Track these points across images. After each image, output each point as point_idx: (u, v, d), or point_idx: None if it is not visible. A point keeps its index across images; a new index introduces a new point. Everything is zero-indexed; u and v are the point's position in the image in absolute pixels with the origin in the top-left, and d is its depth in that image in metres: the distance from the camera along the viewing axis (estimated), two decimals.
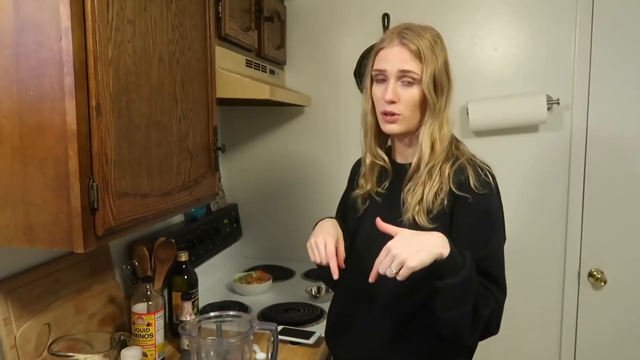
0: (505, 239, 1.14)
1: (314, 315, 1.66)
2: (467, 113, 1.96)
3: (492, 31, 2.01)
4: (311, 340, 1.44)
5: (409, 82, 1.09)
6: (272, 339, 1.18)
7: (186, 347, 1.35)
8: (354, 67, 2.09)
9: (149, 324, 1.30)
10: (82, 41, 0.84)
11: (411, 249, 0.93)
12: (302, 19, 2.15)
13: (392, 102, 1.10)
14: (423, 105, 1.11)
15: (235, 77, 1.47)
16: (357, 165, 1.33)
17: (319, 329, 1.53)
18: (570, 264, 2.02)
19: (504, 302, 1.09)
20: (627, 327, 2.01)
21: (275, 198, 2.28)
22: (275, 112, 2.22)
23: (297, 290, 1.90)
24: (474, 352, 1.19)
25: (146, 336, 1.31)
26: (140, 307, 1.31)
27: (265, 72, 1.90)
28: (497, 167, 2.06)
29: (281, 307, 1.74)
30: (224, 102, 1.62)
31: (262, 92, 1.51)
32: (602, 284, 1.99)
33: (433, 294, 1.01)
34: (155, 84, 1.06)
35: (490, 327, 1.07)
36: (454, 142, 1.16)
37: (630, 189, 1.95)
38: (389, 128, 1.14)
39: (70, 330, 1.22)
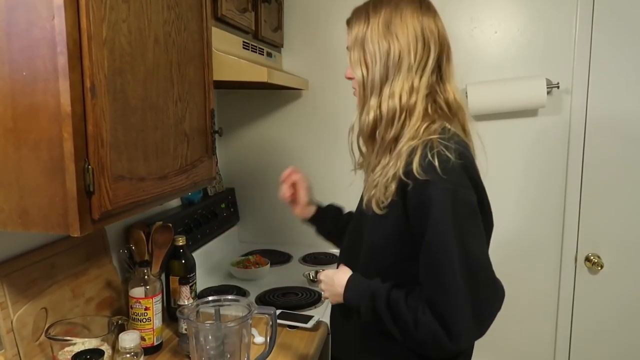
0: (477, 233, 0.98)
1: (312, 299, 1.66)
2: (466, 97, 1.95)
3: (491, 14, 1.98)
4: (309, 324, 1.44)
5: None
6: (270, 323, 1.18)
7: (184, 331, 1.35)
8: None
9: (146, 308, 1.30)
10: (75, 20, 0.81)
11: (331, 290, 1.12)
12: (299, 0, 2.12)
13: (350, 79, 1.10)
14: None
15: (232, 59, 1.45)
16: None
17: (317, 313, 1.53)
18: (567, 248, 2.02)
19: (460, 308, 0.91)
20: (622, 311, 2.03)
21: (272, 182, 2.24)
22: (272, 96, 2.20)
23: (294, 275, 1.89)
24: None
25: (144, 320, 1.30)
26: (137, 292, 1.31)
27: (263, 54, 1.87)
28: (495, 151, 2.05)
29: (279, 291, 1.74)
30: (220, 84, 1.60)
31: (259, 74, 1.49)
32: (599, 268, 2.00)
33: None
34: (151, 66, 1.04)
35: (440, 342, 0.92)
36: (427, 123, 1.01)
37: (629, 174, 1.96)
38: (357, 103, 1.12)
39: (67, 314, 1.22)
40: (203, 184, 1.34)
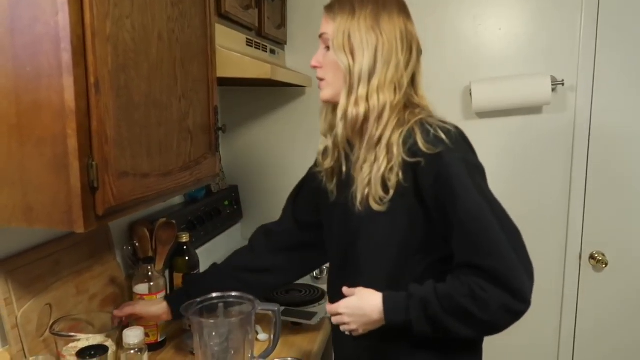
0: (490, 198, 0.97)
1: (316, 296, 1.66)
2: (471, 94, 1.94)
3: (496, 11, 1.97)
4: (313, 321, 1.45)
5: (328, 46, 1.06)
6: (274, 319, 1.18)
7: (188, 328, 1.35)
8: None
9: None
10: (79, 16, 0.81)
11: (362, 320, 0.99)
12: None
13: (316, 67, 1.09)
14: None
15: (235, 56, 1.44)
16: None
17: (321, 309, 1.53)
18: (572, 246, 2.02)
19: (515, 264, 0.91)
20: (627, 309, 2.02)
21: (276, 179, 2.27)
22: (276, 93, 2.20)
23: None
24: None
25: None
26: (141, 288, 1.31)
27: (266, 51, 1.87)
28: (500, 148, 2.04)
29: (282, 288, 1.74)
30: (224, 82, 1.60)
31: (263, 71, 1.49)
32: (603, 266, 1.99)
33: None
34: (155, 62, 1.04)
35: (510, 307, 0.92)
36: (410, 109, 1.02)
37: (633, 172, 1.95)
38: (320, 95, 1.10)
39: (72, 310, 1.22)
40: (206, 181, 1.34)
